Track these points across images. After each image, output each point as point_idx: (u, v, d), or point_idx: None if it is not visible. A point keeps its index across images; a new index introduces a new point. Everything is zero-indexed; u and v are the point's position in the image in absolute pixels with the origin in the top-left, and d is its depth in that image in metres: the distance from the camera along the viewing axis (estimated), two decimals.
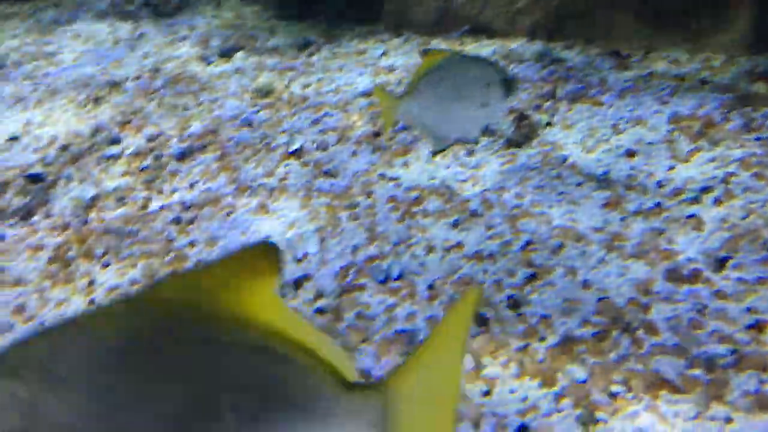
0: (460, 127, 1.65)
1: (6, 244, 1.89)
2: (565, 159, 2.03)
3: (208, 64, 2.97)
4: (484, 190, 1.95)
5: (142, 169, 2.27)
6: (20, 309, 1.67)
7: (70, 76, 2.95)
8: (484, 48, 2.78)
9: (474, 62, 1.67)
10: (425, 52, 1.77)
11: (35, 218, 2.09)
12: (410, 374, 0.70)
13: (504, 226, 1.79)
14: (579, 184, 1.91)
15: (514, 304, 1.55)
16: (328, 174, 2.14)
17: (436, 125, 1.65)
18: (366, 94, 2.56)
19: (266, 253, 0.60)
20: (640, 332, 1.41)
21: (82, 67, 3.04)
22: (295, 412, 0.61)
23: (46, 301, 1.69)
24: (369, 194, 2.01)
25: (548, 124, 2.21)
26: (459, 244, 1.76)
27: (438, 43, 2.89)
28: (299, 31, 3.25)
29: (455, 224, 1.83)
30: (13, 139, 2.49)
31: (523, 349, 1.42)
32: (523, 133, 2.14)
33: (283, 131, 2.37)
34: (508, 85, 1.63)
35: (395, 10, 3.12)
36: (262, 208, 1.98)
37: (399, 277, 1.68)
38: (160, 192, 2.13)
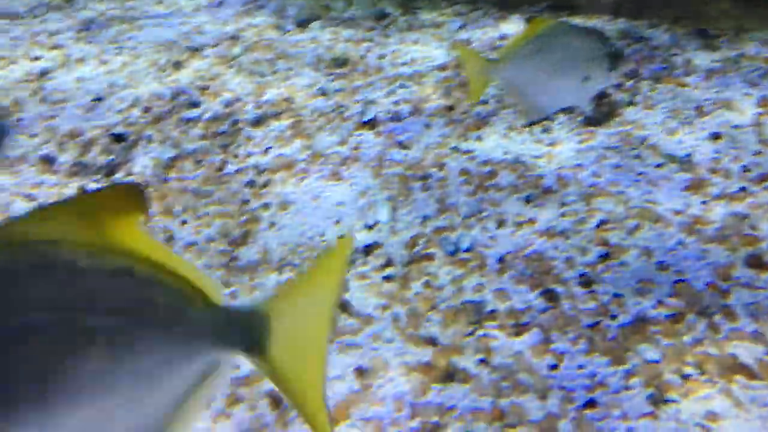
0: (560, 99, 1.58)
1: None
2: (645, 139, 1.97)
3: (285, 32, 3.00)
4: (560, 167, 1.91)
5: (219, 133, 2.32)
6: None
7: (152, 40, 3.03)
8: None
9: (580, 33, 1.59)
10: (529, 19, 1.68)
11: (118, 175, 2.17)
12: (281, 303, 0.71)
13: (579, 205, 1.76)
14: (659, 165, 1.86)
15: (586, 281, 1.53)
16: (400, 145, 2.14)
17: (533, 95, 1.57)
18: (442, 67, 2.54)
19: (130, 192, 0.62)
20: (717, 317, 1.37)
21: (164, 32, 3.12)
22: (158, 331, 0.62)
23: None
24: (441, 167, 2.01)
25: (630, 103, 2.15)
26: (531, 220, 1.74)
27: (517, 18, 2.84)
28: (375, 3, 3.25)
29: (528, 200, 1.81)
30: (98, 99, 2.58)
31: (594, 326, 1.41)
32: (603, 112, 2.09)
33: (357, 101, 2.38)
34: (614, 58, 1.56)
35: None
36: (335, 175, 2.01)
37: (468, 249, 1.67)
38: (236, 156, 2.18)
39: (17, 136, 2.34)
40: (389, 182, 1.95)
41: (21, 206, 1.94)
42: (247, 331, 0.69)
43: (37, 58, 2.89)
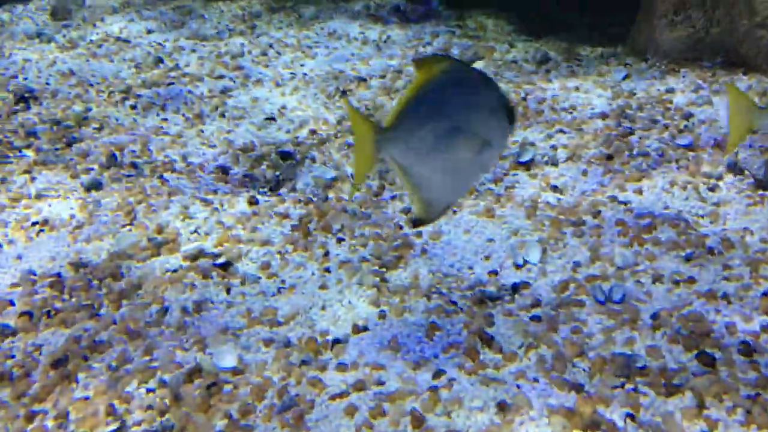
0: (456, 183, 1.24)
1: (259, 208, 2.13)
2: None
3: None
4: (726, 228, 1.84)
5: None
6: (265, 266, 1.88)
7: (323, 68, 3.23)
8: (739, 83, 2.61)
9: (472, 79, 1.27)
10: (418, 62, 1.27)
11: (282, 190, 2.33)
12: None
13: (744, 269, 1.69)
14: None
15: (747, 350, 1.45)
16: (555, 189, 2.14)
17: (424, 180, 1.23)
18: (603, 115, 2.53)
19: None
20: None
21: (334, 61, 3.32)
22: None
23: (287, 263, 1.89)
24: (596, 214, 1.99)
25: None
26: (690, 279, 1.68)
27: (686, 72, 2.77)
28: (538, 47, 3.28)
29: (688, 258, 1.75)
30: (271, 119, 2.79)
31: (753, 398, 1.34)
32: None
33: (515, 142, 2.42)
34: (511, 113, 1.25)
35: (643, 34, 3.03)
36: (488, 211, 2.04)
37: (620, 301, 1.65)
38: (392, 183, 2.27)
39: (200, 145, 2.57)
40: (542, 224, 1.96)
41: (198, 208, 2.12)
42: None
43: (220, 77, 3.17)
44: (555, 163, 2.28)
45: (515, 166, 2.28)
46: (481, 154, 1.28)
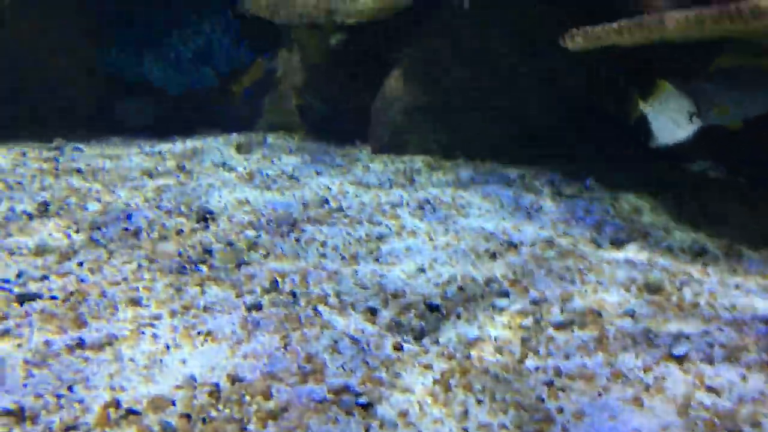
0: None
1: (403, 355, 2.19)
2: None
3: (599, 248, 3.12)
4: None
5: (522, 326, 2.45)
6: (404, 414, 1.90)
7: (475, 228, 3.36)
8: None
9: None
10: None
11: (426, 340, 2.39)
12: None
13: None
14: None
15: None
16: (711, 389, 2.04)
17: None
18: (766, 321, 2.42)
19: None
20: None
21: (486, 223, 3.45)
22: None
23: (425, 414, 1.90)
24: (756, 425, 1.86)
25: None
26: None
27: None
28: (696, 238, 3.24)
29: None
30: (421, 270, 2.90)
31: None
32: None
33: (668, 332, 2.35)
34: None
35: None
36: (636, 400, 1.97)
37: None
38: (537, 353, 2.27)
39: (353, 284, 2.72)
40: (695, 425, 1.86)
41: (346, 344, 2.21)
42: None
43: (378, 223, 3.38)
44: (711, 362, 2.18)
45: (667, 357, 2.21)
46: None
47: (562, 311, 2.54)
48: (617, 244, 3.15)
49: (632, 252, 3.07)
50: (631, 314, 2.49)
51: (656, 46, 3.22)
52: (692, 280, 2.78)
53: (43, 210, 3.44)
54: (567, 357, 2.23)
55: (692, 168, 4.34)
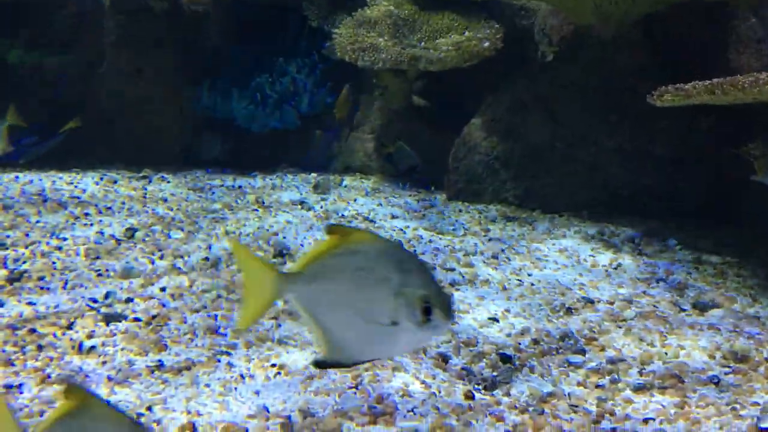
0: (363, 346, 1.24)
1: (474, 404, 2.15)
2: None
3: (681, 310, 3.01)
4: None
5: (597, 386, 2.37)
6: None
7: (550, 282, 3.30)
8: None
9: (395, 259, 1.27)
10: (330, 228, 1.50)
11: (497, 391, 2.34)
12: None
13: None
14: None
15: None
16: None
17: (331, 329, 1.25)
18: None
19: None
20: None
21: (562, 277, 3.38)
22: None
23: None
24: None
25: None
26: None
27: None
28: None
29: None
30: (494, 320, 2.87)
31: None
32: None
33: (755, 404, 2.23)
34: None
35: None
36: None
37: None
38: (612, 414, 2.19)
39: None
40: None
41: (417, 388, 2.20)
42: None
43: (451, 269, 3.37)
44: None
45: (755, 429, 2.09)
46: (391, 333, 1.31)
47: (641, 373, 2.45)
48: (700, 307, 3.03)
49: (716, 317, 2.95)
50: (716, 381, 2.38)
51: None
52: None
53: (130, 236, 3.59)
54: (646, 422, 2.14)
55: None
